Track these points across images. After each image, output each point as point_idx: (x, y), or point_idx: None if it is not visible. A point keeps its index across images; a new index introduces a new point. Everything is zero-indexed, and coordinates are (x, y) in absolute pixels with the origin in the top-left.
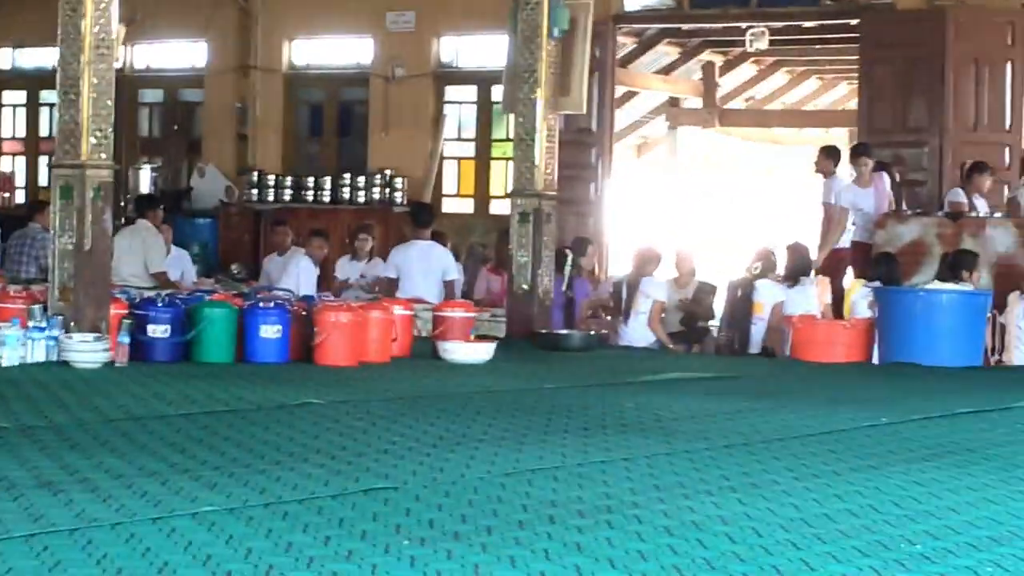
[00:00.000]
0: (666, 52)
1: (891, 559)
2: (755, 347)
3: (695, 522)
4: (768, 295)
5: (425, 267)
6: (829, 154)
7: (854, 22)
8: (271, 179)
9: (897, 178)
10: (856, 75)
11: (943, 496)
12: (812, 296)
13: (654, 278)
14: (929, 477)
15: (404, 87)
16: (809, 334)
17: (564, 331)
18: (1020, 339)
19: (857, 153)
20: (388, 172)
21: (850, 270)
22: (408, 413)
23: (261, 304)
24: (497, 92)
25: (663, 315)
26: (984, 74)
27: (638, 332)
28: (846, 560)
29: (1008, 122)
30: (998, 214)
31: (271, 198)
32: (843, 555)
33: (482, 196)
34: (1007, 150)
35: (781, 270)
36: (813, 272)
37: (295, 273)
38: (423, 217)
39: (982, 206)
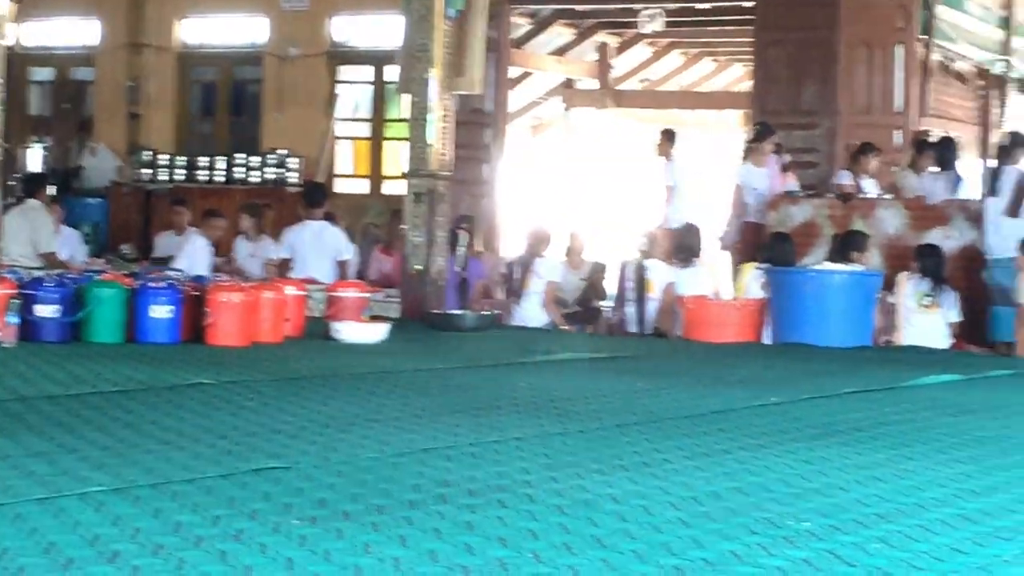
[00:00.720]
0: (561, 33)
1: (779, 536)
2: (647, 327)
3: (587, 501)
4: (659, 275)
5: (318, 247)
6: (669, 137)
7: (748, 4)
8: (163, 159)
9: (787, 159)
10: (750, 57)
11: (831, 474)
12: (704, 276)
13: (547, 258)
14: (817, 456)
15: (298, 66)
16: (701, 314)
17: (458, 311)
18: (909, 320)
19: (763, 134)
20: (282, 152)
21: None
22: (300, 393)
23: (152, 284)
24: (392, 72)
25: (557, 295)
26: (875, 57)
27: (531, 312)
28: (735, 537)
29: (899, 104)
30: (888, 195)
31: (163, 178)
32: (732, 532)
33: (376, 176)
34: (897, 132)
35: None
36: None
37: (190, 252)
38: (316, 197)
39: (871, 187)
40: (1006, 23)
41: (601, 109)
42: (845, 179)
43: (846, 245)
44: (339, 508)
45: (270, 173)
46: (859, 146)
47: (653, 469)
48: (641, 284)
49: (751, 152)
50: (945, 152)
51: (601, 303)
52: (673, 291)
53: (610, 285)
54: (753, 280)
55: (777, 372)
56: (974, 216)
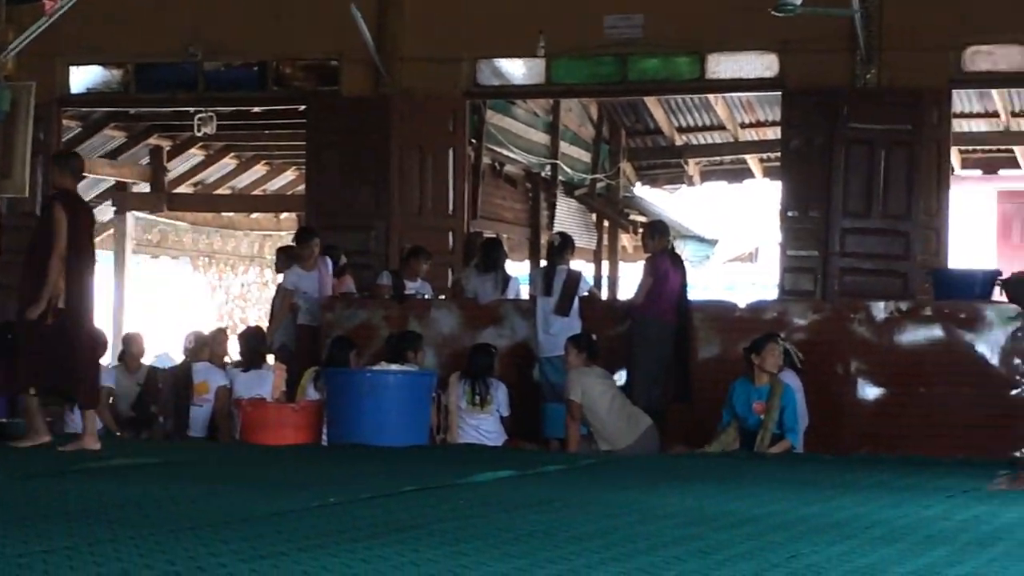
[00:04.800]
0: (113, 136)
1: None
2: (200, 430)
3: None
4: (211, 378)
5: None
6: None
7: (301, 108)
8: None
9: (343, 261)
10: (304, 160)
11: (388, 573)
12: (268, 380)
13: (102, 363)
14: (375, 555)
15: None
16: (258, 417)
17: (6, 420)
18: (462, 418)
19: (304, 237)
20: None
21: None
22: None
23: None
24: None
25: (111, 400)
26: (428, 160)
27: None
28: None
29: (451, 206)
30: (442, 296)
31: None
32: None
33: None
34: (451, 234)
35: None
36: (272, 357)
37: None
38: None
39: (426, 289)
40: (553, 128)
41: (155, 213)
42: (384, 280)
43: (400, 345)
44: None
45: None
46: (410, 249)
47: (208, 574)
48: (189, 386)
49: (299, 256)
50: (492, 252)
51: (158, 408)
52: (227, 394)
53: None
54: (310, 382)
55: (335, 472)
56: (526, 315)
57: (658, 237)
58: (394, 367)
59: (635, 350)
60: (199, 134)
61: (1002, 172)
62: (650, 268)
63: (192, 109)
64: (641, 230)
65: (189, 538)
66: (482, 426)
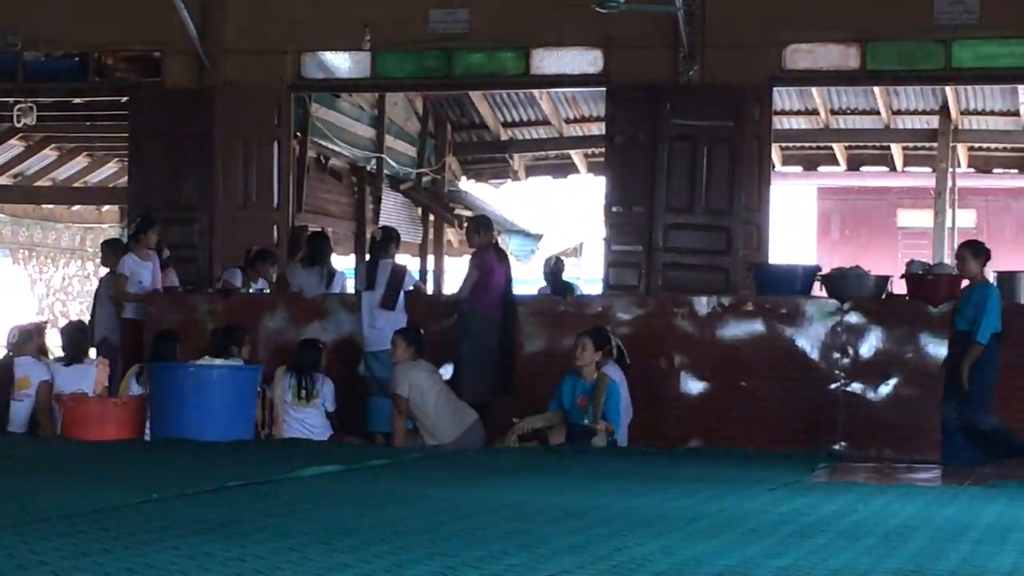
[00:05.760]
0: None
1: None
2: (20, 426)
3: None
4: (32, 372)
5: None
6: None
7: (124, 99)
8: None
9: (166, 254)
10: (127, 152)
11: (213, 568)
12: (91, 375)
13: None
14: (200, 551)
15: None
16: (80, 412)
17: None
18: (287, 412)
19: (145, 225)
20: None
21: None
22: None
23: None
24: None
25: None
26: (252, 153)
27: None
28: None
29: (276, 200)
30: (267, 291)
31: None
32: None
33: None
34: (276, 228)
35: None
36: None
37: None
38: None
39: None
40: (378, 122)
41: None
42: (235, 279)
43: (225, 339)
44: None
45: None
46: (257, 252)
47: (29, 572)
48: (10, 381)
49: (134, 245)
50: (317, 247)
51: None
52: (48, 389)
53: None
54: (133, 377)
55: (158, 468)
56: (351, 309)
57: (483, 232)
58: (219, 361)
59: (461, 344)
60: (19, 125)
61: (822, 169)
62: (476, 263)
63: (11, 99)
64: (466, 225)
65: (9, 536)
66: (307, 420)
